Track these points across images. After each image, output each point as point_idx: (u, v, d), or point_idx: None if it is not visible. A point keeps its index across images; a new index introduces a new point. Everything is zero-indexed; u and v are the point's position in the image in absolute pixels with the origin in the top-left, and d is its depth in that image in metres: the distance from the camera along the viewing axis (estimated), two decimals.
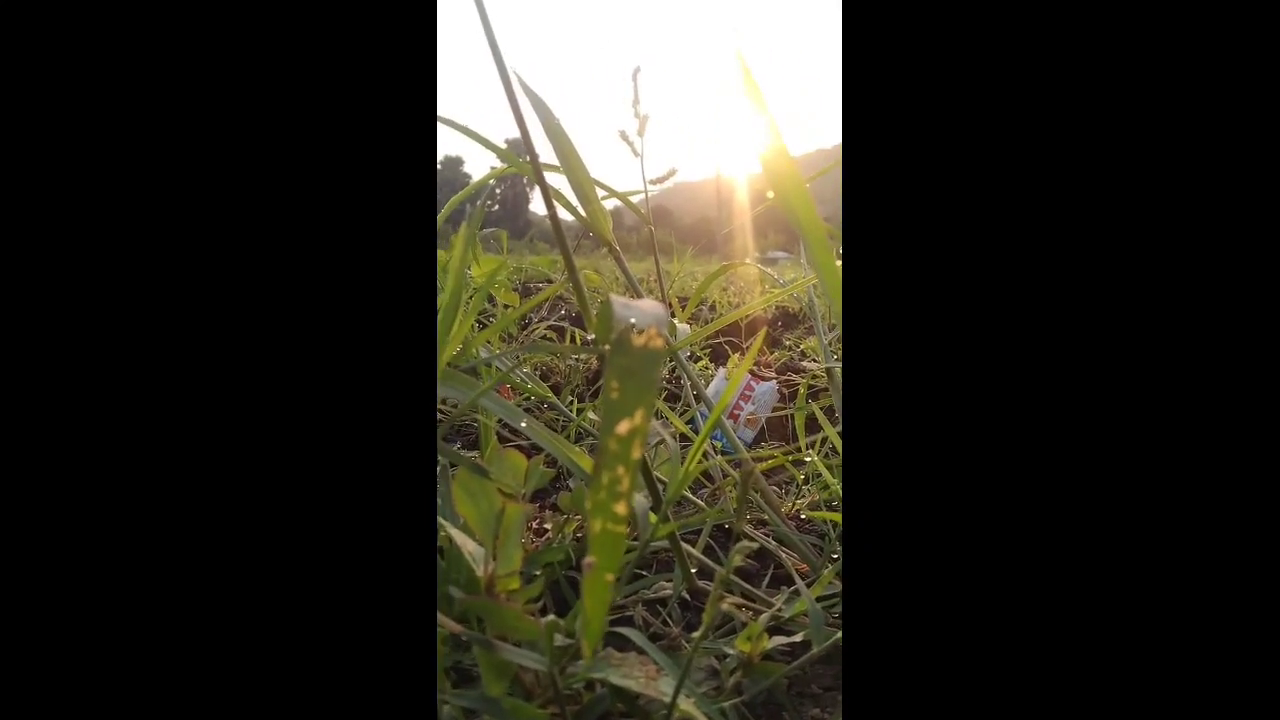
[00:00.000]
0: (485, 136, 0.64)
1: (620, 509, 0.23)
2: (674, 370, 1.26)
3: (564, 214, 0.57)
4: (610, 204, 0.70)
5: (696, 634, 0.39)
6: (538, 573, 0.55)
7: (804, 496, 0.78)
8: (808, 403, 0.83)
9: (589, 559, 0.23)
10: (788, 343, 1.77)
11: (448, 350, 0.48)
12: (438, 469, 0.45)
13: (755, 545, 0.41)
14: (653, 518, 0.46)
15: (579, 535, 0.61)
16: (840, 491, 0.70)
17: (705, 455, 0.69)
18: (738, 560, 0.38)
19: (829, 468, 0.76)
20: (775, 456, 0.74)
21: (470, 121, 0.61)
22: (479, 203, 0.61)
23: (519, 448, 0.57)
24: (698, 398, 0.82)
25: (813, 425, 1.01)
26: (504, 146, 0.66)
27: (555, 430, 0.89)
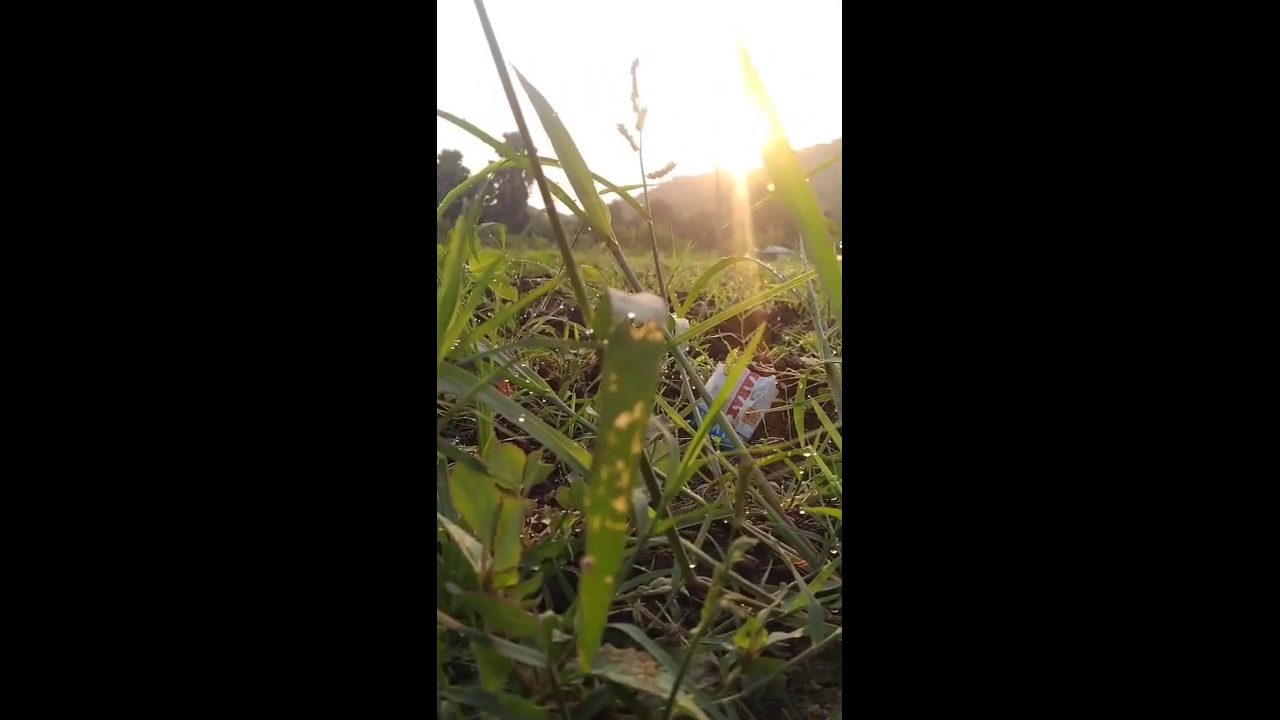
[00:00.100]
0: (483, 131, 0.63)
1: (620, 505, 0.23)
2: (673, 365, 1.26)
3: (562, 208, 0.57)
4: (609, 199, 0.70)
5: (695, 630, 0.39)
6: (536, 568, 0.55)
7: (803, 492, 0.78)
8: (807, 398, 0.83)
9: (587, 559, 0.23)
10: (787, 338, 1.77)
11: (445, 345, 0.48)
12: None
13: (754, 541, 0.41)
14: (651, 513, 0.46)
15: (577, 530, 0.61)
16: (839, 487, 0.70)
17: (704, 451, 0.69)
18: (737, 556, 0.38)
19: (828, 463, 0.76)
20: (774, 452, 0.74)
21: (469, 116, 0.61)
22: (477, 197, 0.61)
23: (517, 443, 0.57)
24: (696, 393, 0.82)
25: (812, 421, 1.01)
26: (502, 141, 0.65)
27: (554, 425, 0.89)
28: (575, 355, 1.29)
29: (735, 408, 1.03)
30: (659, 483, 0.52)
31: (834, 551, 0.66)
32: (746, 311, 1.78)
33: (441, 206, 0.65)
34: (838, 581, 0.57)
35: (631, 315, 0.27)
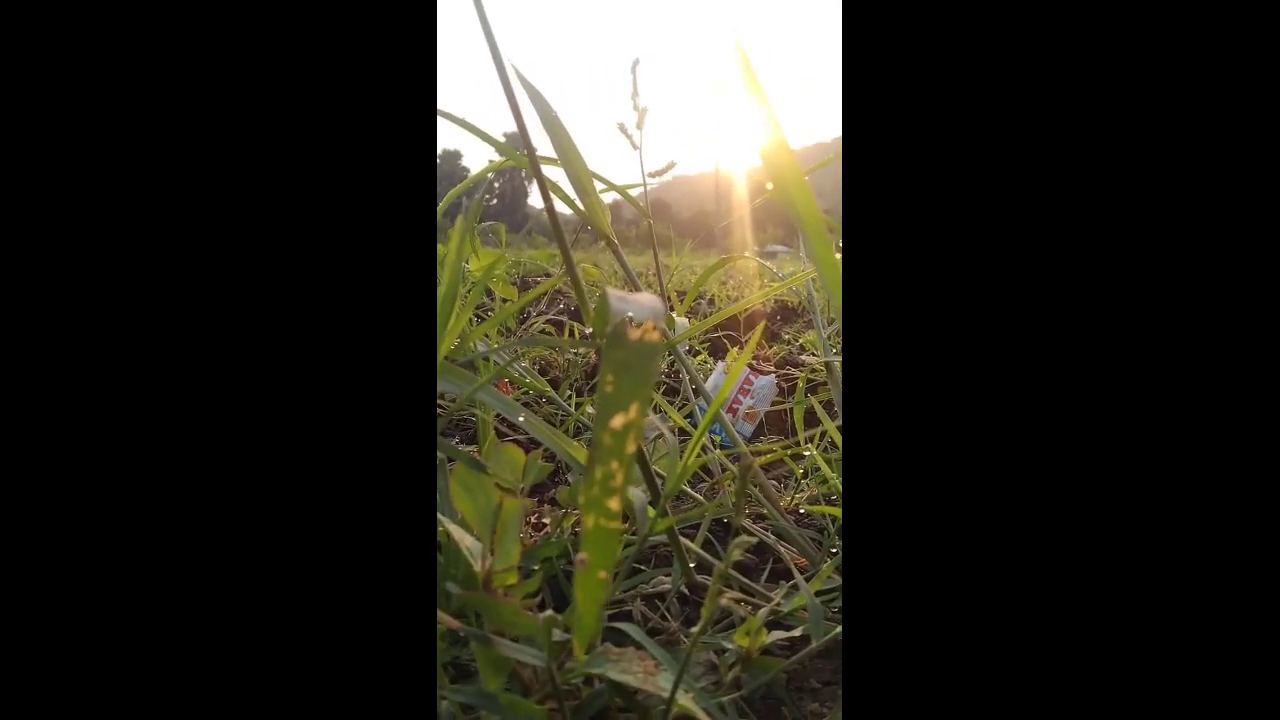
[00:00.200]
0: (483, 130, 0.63)
1: (614, 504, 0.23)
2: (673, 364, 1.26)
3: (562, 207, 0.57)
4: (609, 198, 0.70)
5: (695, 629, 0.39)
6: (536, 567, 0.55)
7: (803, 491, 0.78)
8: (806, 397, 0.83)
9: (582, 556, 0.23)
10: (787, 337, 1.77)
11: (444, 344, 0.48)
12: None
13: (754, 540, 0.41)
14: (651, 512, 0.46)
15: (577, 529, 0.61)
16: (839, 486, 0.70)
17: (704, 449, 0.69)
18: (736, 555, 0.38)
19: (828, 462, 0.76)
20: (774, 451, 0.74)
21: (469, 115, 0.61)
22: (476, 196, 0.61)
23: (517, 442, 0.57)
24: (696, 392, 0.82)
25: (812, 419, 1.01)
26: (502, 140, 0.65)
27: (554, 425, 0.89)
28: (575, 354, 1.29)
29: (735, 406, 1.03)
30: (658, 482, 0.52)
31: (834, 550, 0.66)
32: (746, 310, 1.78)
33: (441, 206, 0.65)
34: (837, 580, 0.57)
35: (629, 314, 0.27)
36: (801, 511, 0.75)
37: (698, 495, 0.73)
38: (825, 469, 0.75)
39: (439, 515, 0.42)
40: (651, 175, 0.77)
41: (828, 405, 0.99)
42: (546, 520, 0.65)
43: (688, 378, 0.85)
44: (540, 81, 0.53)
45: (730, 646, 0.45)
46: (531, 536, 0.64)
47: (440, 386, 0.45)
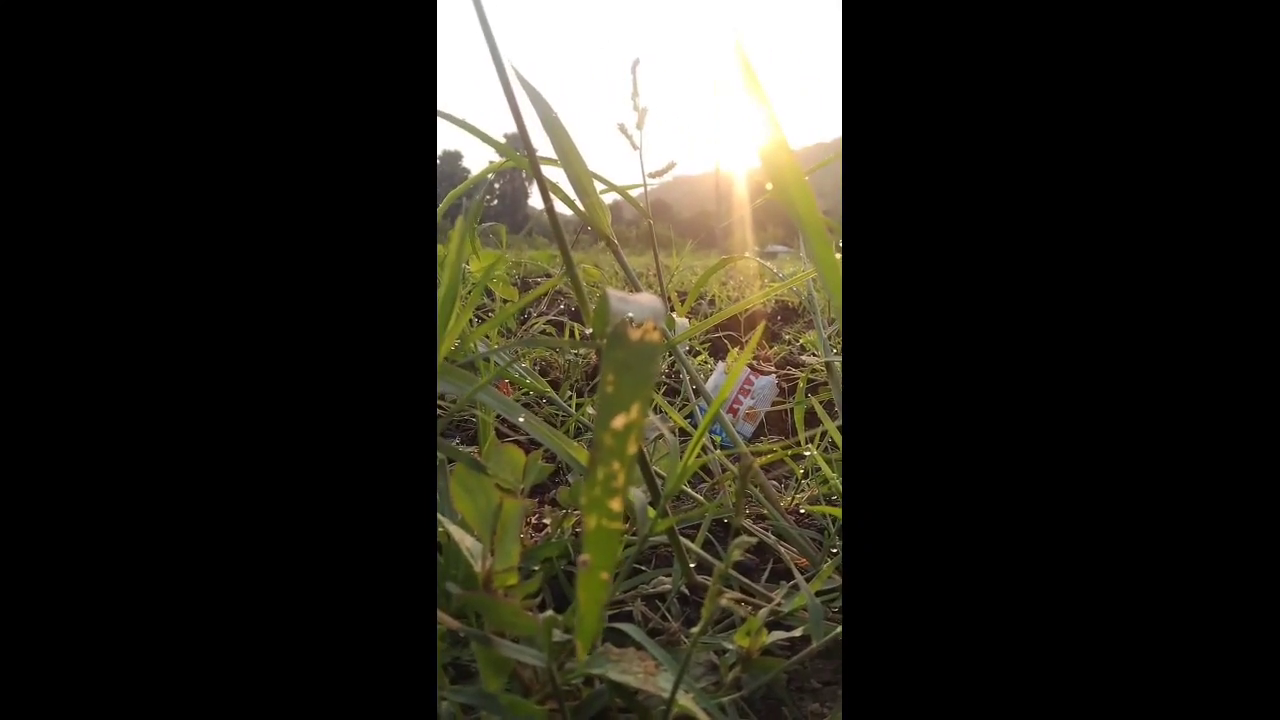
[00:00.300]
0: (483, 131, 0.63)
1: (615, 505, 0.23)
2: (673, 364, 1.26)
3: (563, 208, 0.57)
4: (609, 198, 0.70)
5: (695, 629, 0.39)
6: (536, 568, 0.55)
7: (803, 491, 0.78)
8: (807, 397, 0.83)
9: (584, 557, 0.23)
10: (787, 337, 1.77)
11: (444, 345, 0.48)
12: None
13: (754, 540, 0.41)
14: (651, 512, 0.46)
15: (578, 530, 0.61)
16: (839, 486, 0.70)
17: (704, 450, 0.69)
18: (737, 555, 0.38)
19: (828, 462, 0.76)
20: (774, 451, 0.74)
21: (469, 116, 0.61)
22: (477, 197, 0.61)
23: (518, 443, 0.57)
24: (697, 392, 0.82)
25: (812, 420, 1.01)
26: (502, 141, 0.65)
27: (554, 425, 0.89)
28: (575, 355, 1.29)
29: (735, 406, 1.03)
30: (659, 482, 0.52)
31: (834, 550, 0.66)
32: (747, 310, 1.78)
33: (441, 207, 0.65)
34: (837, 580, 0.57)
35: (629, 315, 0.27)
36: (802, 511, 0.75)
37: (698, 495, 0.73)
38: (825, 469, 0.75)
39: (439, 516, 0.42)
40: (652, 175, 0.77)
41: (828, 405, 0.99)
42: (547, 521, 0.65)
43: (688, 378, 0.85)
44: (540, 82, 0.53)
45: (731, 647, 0.45)
46: (532, 537, 0.64)
47: (440, 387, 0.45)
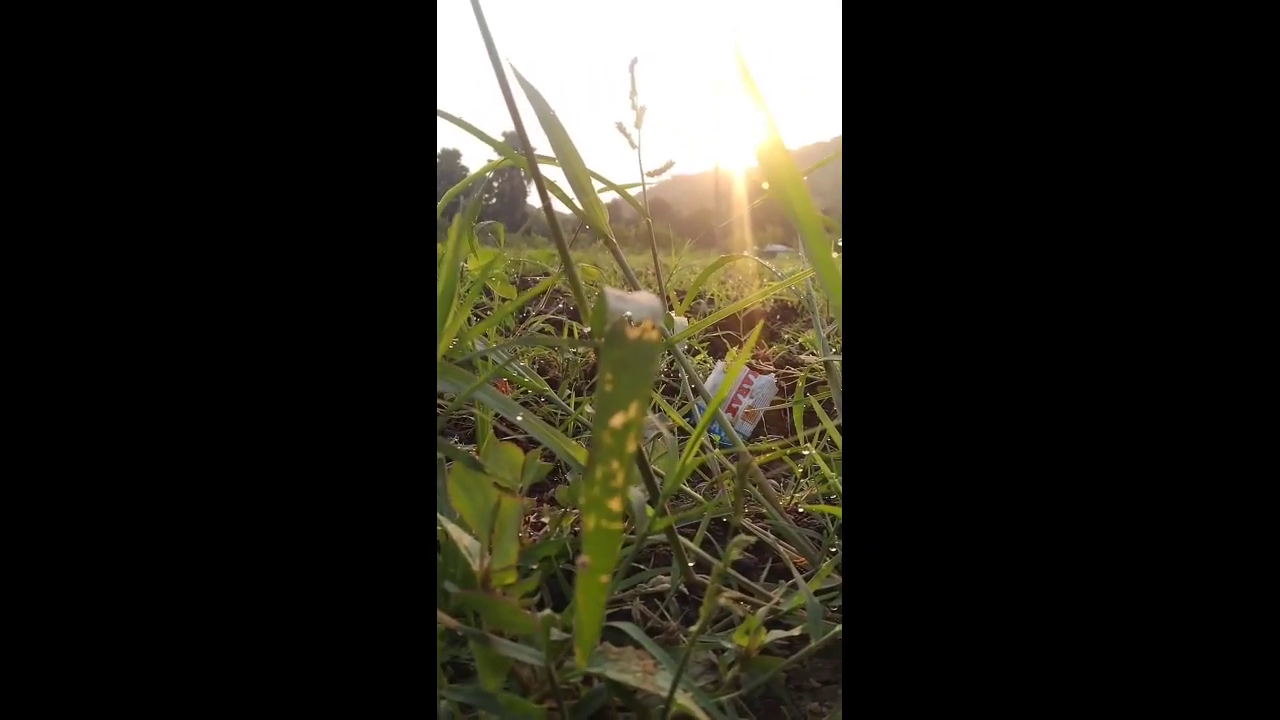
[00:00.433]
0: (481, 130, 0.63)
1: (615, 505, 0.23)
2: (672, 364, 1.26)
3: (561, 207, 0.57)
4: (609, 197, 0.69)
5: (694, 628, 0.39)
6: (534, 567, 0.55)
7: (802, 490, 0.78)
8: (806, 396, 0.83)
9: (583, 558, 0.23)
10: (786, 336, 1.77)
11: (442, 342, 0.48)
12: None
13: (753, 539, 0.41)
14: (650, 511, 0.46)
15: (576, 529, 0.61)
16: (838, 485, 0.70)
17: (703, 449, 0.69)
18: (735, 554, 0.38)
19: (827, 461, 0.76)
20: (773, 450, 0.74)
21: (468, 115, 0.61)
22: (475, 195, 0.61)
23: (516, 441, 0.57)
24: (695, 391, 0.82)
25: (811, 419, 1.00)
26: (501, 140, 0.65)
27: (553, 424, 0.89)
28: (574, 354, 1.29)
29: (734, 406, 1.03)
30: (657, 481, 0.52)
31: (833, 549, 0.66)
32: (745, 310, 1.78)
33: (439, 205, 0.65)
34: (836, 579, 0.57)
35: (628, 313, 0.27)
36: (800, 510, 0.75)
37: (697, 494, 0.73)
38: (824, 468, 0.75)
39: (437, 515, 0.42)
40: (650, 174, 0.77)
41: (827, 404, 0.99)
42: (546, 519, 0.65)
43: (687, 377, 0.85)
44: (538, 81, 0.53)
45: (729, 646, 0.45)
46: (530, 536, 0.64)
47: (438, 385, 0.45)
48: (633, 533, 0.46)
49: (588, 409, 0.83)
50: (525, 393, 1.04)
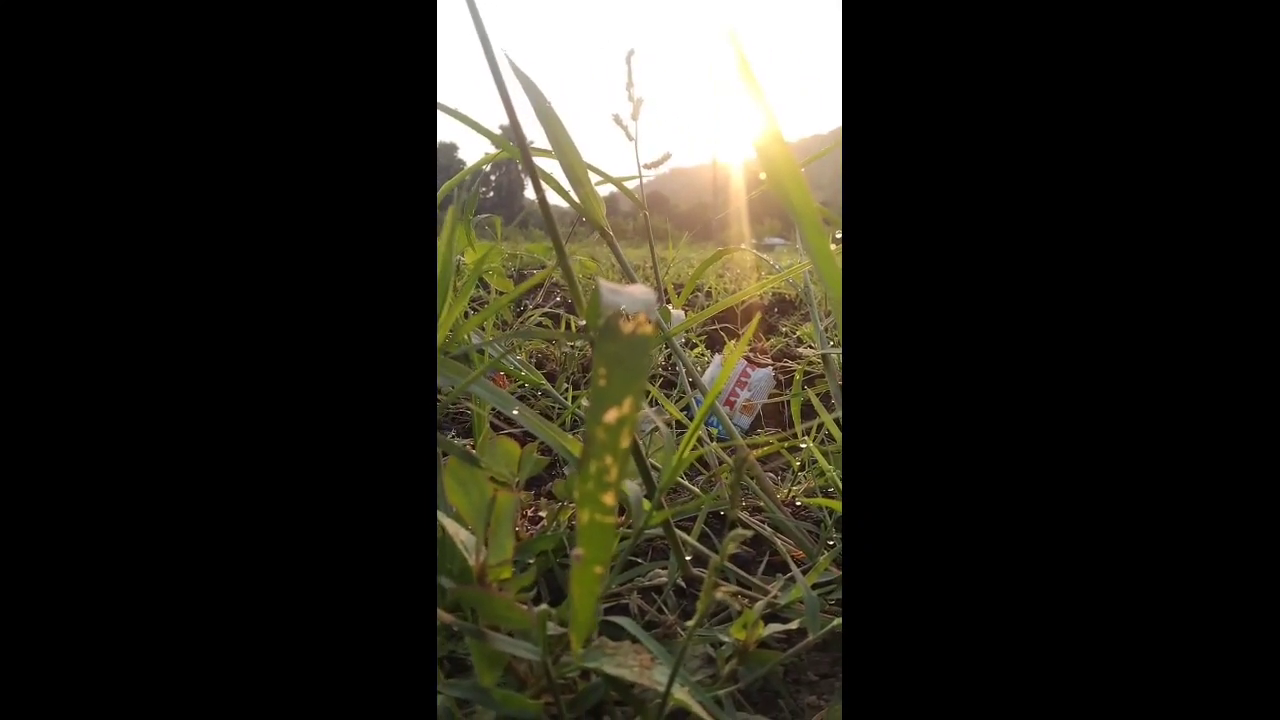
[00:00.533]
0: (478, 122, 0.63)
1: (608, 499, 0.23)
2: (669, 357, 1.26)
3: (558, 200, 0.56)
4: (606, 191, 0.69)
5: (691, 622, 0.39)
6: (531, 561, 0.55)
7: (800, 483, 0.78)
8: (804, 389, 0.83)
9: (577, 551, 0.23)
10: (784, 329, 1.76)
11: (437, 336, 0.47)
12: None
13: (750, 532, 0.41)
14: (646, 505, 0.46)
15: (574, 523, 0.60)
16: (836, 478, 0.70)
17: (700, 442, 0.69)
18: (732, 547, 0.38)
19: (824, 454, 0.75)
20: (771, 443, 0.74)
21: (465, 108, 0.60)
22: (472, 188, 0.61)
23: (513, 436, 0.57)
24: (693, 384, 0.82)
25: (809, 412, 1.00)
26: (498, 133, 0.65)
27: (550, 418, 0.88)
28: (571, 347, 1.29)
29: (732, 399, 1.03)
30: (654, 474, 0.52)
31: (830, 542, 0.66)
32: (743, 303, 1.78)
33: (437, 198, 0.65)
34: (834, 572, 0.57)
35: (622, 306, 0.27)
36: (798, 504, 0.75)
37: (694, 488, 0.73)
38: (822, 461, 0.75)
39: None
40: (647, 167, 0.76)
41: (824, 398, 0.99)
42: (543, 513, 0.65)
43: (684, 371, 0.85)
44: (535, 73, 0.53)
45: (727, 640, 0.45)
46: (528, 530, 0.63)
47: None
48: (630, 526, 0.46)
49: (585, 403, 0.83)
50: (522, 387, 1.03)
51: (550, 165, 0.58)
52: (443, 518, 0.41)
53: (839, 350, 0.75)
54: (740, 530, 0.38)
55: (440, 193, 0.67)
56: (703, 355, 1.45)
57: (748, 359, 1.10)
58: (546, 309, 1.58)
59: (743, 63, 0.32)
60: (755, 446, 0.74)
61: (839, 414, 0.74)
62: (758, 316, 0.61)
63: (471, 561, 0.39)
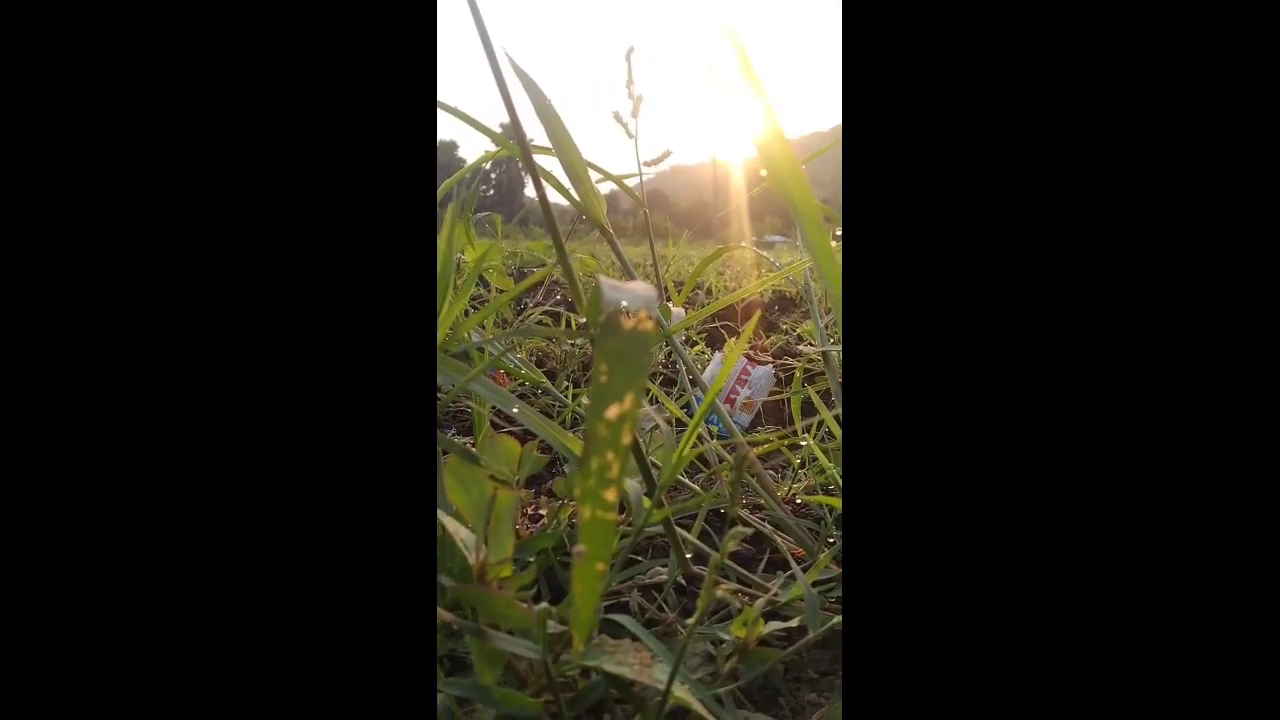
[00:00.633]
0: (478, 120, 0.63)
1: (610, 496, 0.23)
2: (670, 355, 1.26)
3: (558, 198, 0.56)
4: (606, 189, 0.69)
5: (692, 620, 0.39)
6: (531, 559, 0.55)
7: (800, 481, 0.78)
8: (804, 387, 0.83)
9: (579, 548, 0.23)
10: (784, 327, 1.76)
11: (437, 334, 0.47)
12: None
13: (751, 530, 0.41)
14: (647, 503, 0.46)
15: (574, 521, 0.60)
16: (836, 476, 0.70)
17: (700, 440, 0.69)
18: (732, 545, 0.38)
19: (825, 452, 0.75)
20: (771, 441, 0.74)
21: (465, 105, 0.60)
22: (472, 186, 0.60)
23: (513, 434, 0.57)
24: (694, 382, 0.82)
25: (809, 409, 1.00)
26: (498, 131, 0.65)
27: (550, 416, 0.88)
28: (572, 345, 1.29)
29: (732, 396, 1.03)
30: (654, 472, 0.52)
31: (830, 540, 0.66)
32: (743, 300, 1.78)
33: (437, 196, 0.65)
34: (834, 570, 0.57)
35: (623, 303, 0.26)
36: (798, 501, 0.75)
37: (694, 486, 0.73)
38: (822, 459, 0.75)
39: None
40: (647, 163, 0.76)
41: (825, 395, 0.99)
42: (544, 511, 0.65)
43: (684, 368, 0.85)
44: (535, 70, 0.53)
45: (727, 637, 0.45)
46: (529, 528, 0.63)
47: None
48: (630, 524, 0.46)
49: (585, 400, 0.83)
50: (522, 385, 1.03)
51: (550, 163, 0.58)
52: (443, 516, 0.41)
53: (839, 347, 0.75)
54: (740, 528, 0.38)
55: (440, 190, 0.67)
56: (703, 353, 1.45)
57: (748, 356, 1.10)
58: (547, 307, 1.57)
59: (743, 59, 0.32)
60: (755, 444, 0.74)
61: (839, 411, 0.74)
62: (758, 314, 0.61)
63: (471, 560, 0.39)
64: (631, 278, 0.69)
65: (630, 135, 0.76)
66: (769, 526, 0.66)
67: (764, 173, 0.30)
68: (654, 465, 0.52)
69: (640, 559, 0.62)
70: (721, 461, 0.77)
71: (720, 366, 1.07)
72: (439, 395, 0.51)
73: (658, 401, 0.80)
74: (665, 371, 1.27)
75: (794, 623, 0.49)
